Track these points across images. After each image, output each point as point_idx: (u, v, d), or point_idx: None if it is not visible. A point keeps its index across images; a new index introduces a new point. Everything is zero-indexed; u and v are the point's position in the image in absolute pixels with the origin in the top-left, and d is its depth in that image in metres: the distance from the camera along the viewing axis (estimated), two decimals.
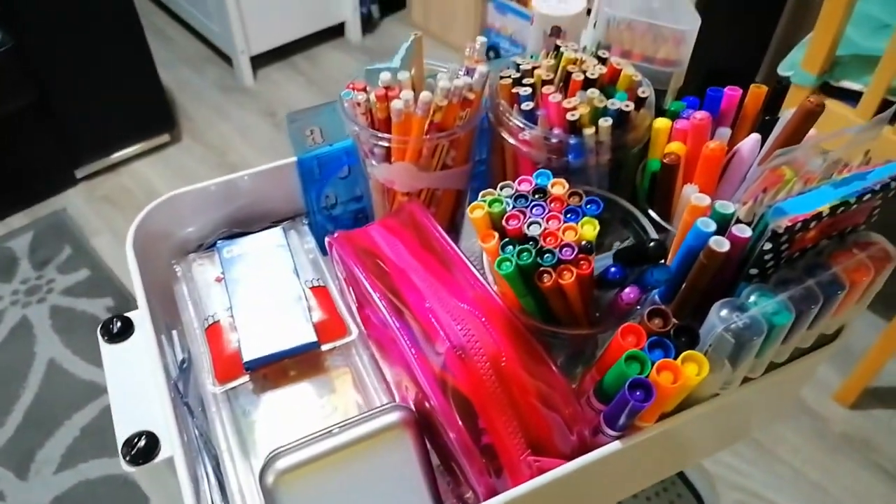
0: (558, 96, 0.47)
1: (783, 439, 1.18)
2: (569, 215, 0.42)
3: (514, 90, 0.50)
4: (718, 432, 0.54)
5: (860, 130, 0.41)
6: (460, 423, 0.40)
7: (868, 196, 0.40)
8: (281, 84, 1.95)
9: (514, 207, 0.43)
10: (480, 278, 0.46)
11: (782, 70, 1.08)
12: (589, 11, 0.53)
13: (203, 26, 1.97)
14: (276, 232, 0.57)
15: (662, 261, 0.42)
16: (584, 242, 0.41)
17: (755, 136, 0.48)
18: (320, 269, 0.56)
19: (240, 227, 0.60)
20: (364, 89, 0.50)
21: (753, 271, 0.41)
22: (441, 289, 0.45)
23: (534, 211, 0.42)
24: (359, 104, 0.49)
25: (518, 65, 0.51)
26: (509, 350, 0.41)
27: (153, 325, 0.48)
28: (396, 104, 0.48)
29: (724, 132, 0.49)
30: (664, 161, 0.47)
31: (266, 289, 0.53)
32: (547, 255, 0.41)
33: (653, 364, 0.38)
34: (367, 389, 0.51)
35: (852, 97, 1.03)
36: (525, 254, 0.40)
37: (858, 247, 0.43)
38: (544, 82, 0.49)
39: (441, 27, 2.02)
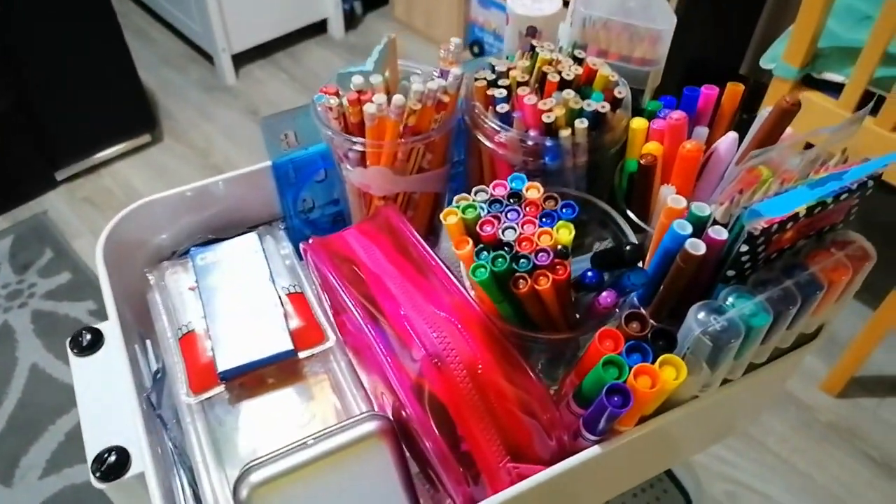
0: (533, 98, 0.47)
1: (771, 429, 1.19)
2: (544, 219, 0.42)
3: (489, 92, 0.49)
4: (702, 431, 0.54)
5: (837, 129, 0.41)
6: (436, 431, 0.39)
7: (845, 195, 0.40)
8: (264, 82, 1.93)
9: (488, 212, 0.42)
10: (457, 284, 0.45)
11: (764, 63, 1.08)
12: (567, 2, 0.52)
13: (184, 25, 1.94)
14: (252, 238, 0.56)
15: (640, 264, 0.42)
16: (559, 247, 0.40)
17: (732, 135, 0.48)
18: (297, 274, 0.56)
19: (215, 233, 0.59)
20: (336, 93, 0.49)
21: (731, 273, 0.41)
22: (417, 295, 0.44)
23: (509, 216, 0.42)
24: (331, 108, 0.48)
25: (493, 66, 0.50)
26: (486, 357, 0.41)
27: (125, 337, 0.47)
28: (369, 108, 0.47)
29: (702, 131, 0.49)
30: (641, 162, 0.46)
31: (241, 296, 0.52)
32: (522, 260, 0.40)
33: (630, 369, 0.38)
34: (345, 396, 0.50)
35: (835, 89, 1.03)
36: (500, 260, 0.39)
37: (836, 246, 0.43)
38: (519, 84, 0.48)
39: (425, 22, 2.01)
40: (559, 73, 0.49)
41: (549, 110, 0.47)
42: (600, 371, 0.38)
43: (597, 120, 0.47)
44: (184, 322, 0.52)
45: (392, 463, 0.41)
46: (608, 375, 0.38)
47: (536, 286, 0.40)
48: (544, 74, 0.49)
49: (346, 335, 0.50)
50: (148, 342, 0.54)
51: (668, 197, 0.41)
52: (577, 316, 0.47)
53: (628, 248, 0.40)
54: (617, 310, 0.43)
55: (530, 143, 0.48)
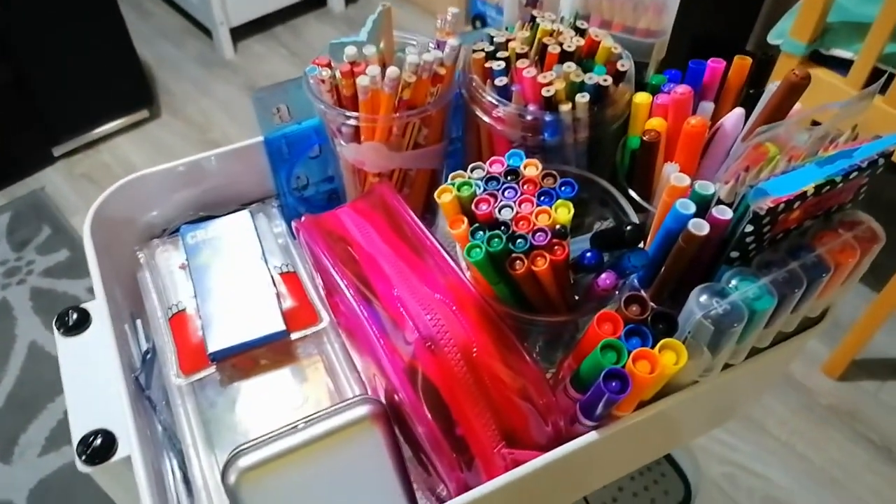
0: (533, 71, 0.45)
1: (771, 412, 1.18)
2: (542, 198, 0.40)
3: (487, 65, 0.47)
4: (703, 415, 0.53)
5: (847, 105, 0.39)
6: (429, 416, 0.38)
7: (855, 174, 0.38)
8: (263, 56, 1.90)
9: (484, 190, 0.40)
10: (452, 264, 0.44)
11: (772, 38, 1.05)
12: None
13: None
14: (244, 216, 0.55)
15: (640, 245, 0.41)
16: (558, 226, 0.39)
17: (739, 111, 0.46)
18: (290, 253, 0.54)
19: (207, 211, 0.58)
20: (329, 65, 0.47)
21: (734, 254, 0.39)
22: (411, 276, 0.43)
23: (506, 194, 0.40)
24: (323, 81, 0.47)
25: (492, 37, 0.49)
26: (481, 339, 0.40)
27: (113, 316, 0.46)
28: (362, 81, 0.45)
29: (707, 106, 0.47)
30: (644, 139, 0.45)
31: (232, 276, 0.51)
32: (519, 240, 0.39)
33: (629, 353, 0.37)
34: (338, 378, 0.49)
35: (843, 66, 1.00)
36: (496, 240, 0.38)
37: (844, 226, 0.41)
38: (519, 56, 0.47)
39: None
40: (560, 44, 0.47)
41: (549, 83, 0.45)
42: (598, 355, 0.37)
43: (598, 94, 0.46)
44: (174, 301, 0.51)
45: (384, 447, 0.40)
46: (606, 360, 0.37)
47: (534, 267, 0.38)
48: (545, 46, 0.47)
49: (339, 316, 0.49)
50: (138, 322, 0.53)
51: (672, 175, 0.40)
52: (577, 297, 0.45)
53: (629, 228, 0.38)
54: (616, 292, 0.42)
55: (529, 117, 0.46)
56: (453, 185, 0.40)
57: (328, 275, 0.45)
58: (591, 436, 0.40)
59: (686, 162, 0.45)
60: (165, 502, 0.42)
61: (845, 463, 1.12)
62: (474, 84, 0.48)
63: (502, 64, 0.47)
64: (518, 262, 0.39)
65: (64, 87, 1.56)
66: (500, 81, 0.46)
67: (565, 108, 0.45)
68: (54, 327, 0.46)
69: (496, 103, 0.47)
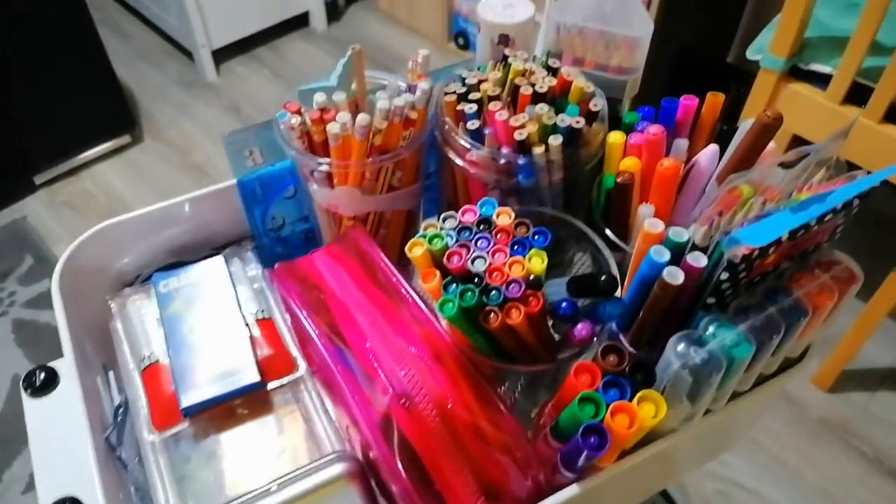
0: (505, 114, 0.44)
1: (762, 426, 1.18)
2: (516, 247, 0.40)
3: (459, 107, 0.47)
4: (690, 456, 0.52)
5: (820, 147, 0.39)
6: (404, 474, 0.37)
7: (829, 216, 0.38)
8: (245, 78, 1.89)
9: (456, 241, 0.40)
10: (428, 313, 0.43)
11: (751, 54, 1.06)
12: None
13: (161, 20, 1.90)
14: (217, 261, 0.54)
15: (617, 290, 0.40)
16: (532, 277, 0.38)
17: (713, 148, 0.46)
18: (266, 298, 0.53)
19: (180, 255, 0.57)
20: (298, 111, 0.46)
21: (711, 300, 0.39)
22: (385, 326, 0.42)
23: (478, 244, 0.40)
24: (293, 128, 0.46)
25: (464, 78, 0.48)
26: (456, 393, 0.39)
27: (83, 373, 0.45)
28: (332, 128, 0.45)
29: (682, 143, 0.47)
30: (618, 180, 0.44)
31: (206, 326, 0.50)
32: (493, 292, 0.38)
33: (608, 406, 0.36)
34: (316, 428, 0.48)
35: (822, 80, 1.00)
36: (468, 294, 0.37)
37: (821, 267, 0.41)
38: (491, 98, 0.46)
39: (408, 14, 1.97)
40: (532, 85, 0.46)
41: (522, 126, 0.44)
42: (576, 409, 0.36)
43: (572, 135, 0.45)
44: (146, 353, 0.50)
45: None
46: (585, 413, 0.36)
47: (508, 320, 0.38)
48: (517, 87, 0.47)
49: (313, 366, 0.48)
50: (111, 374, 0.52)
51: (645, 220, 0.39)
52: (557, 337, 0.45)
53: (603, 278, 0.37)
54: (595, 338, 0.41)
55: (502, 161, 0.45)
56: (424, 237, 0.39)
57: (301, 326, 0.45)
58: (572, 489, 0.39)
59: (661, 203, 0.44)
60: None
61: (837, 476, 1.11)
62: (447, 127, 0.47)
63: (474, 107, 0.46)
64: (492, 315, 0.38)
65: (43, 114, 1.55)
66: (473, 125, 0.46)
67: (538, 150, 0.45)
68: (21, 389, 0.44)
69: (469, 147, 0.46)
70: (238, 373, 0.47)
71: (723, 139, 0.47)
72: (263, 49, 1.97)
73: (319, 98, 0.45)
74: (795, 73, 1.03)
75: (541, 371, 0.45)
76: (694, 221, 0.41)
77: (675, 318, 0.41)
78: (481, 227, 0.40)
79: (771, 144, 0.43)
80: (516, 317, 0.38)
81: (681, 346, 0.37)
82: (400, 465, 0.37)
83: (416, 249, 0.38)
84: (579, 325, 0.39)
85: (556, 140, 0.44)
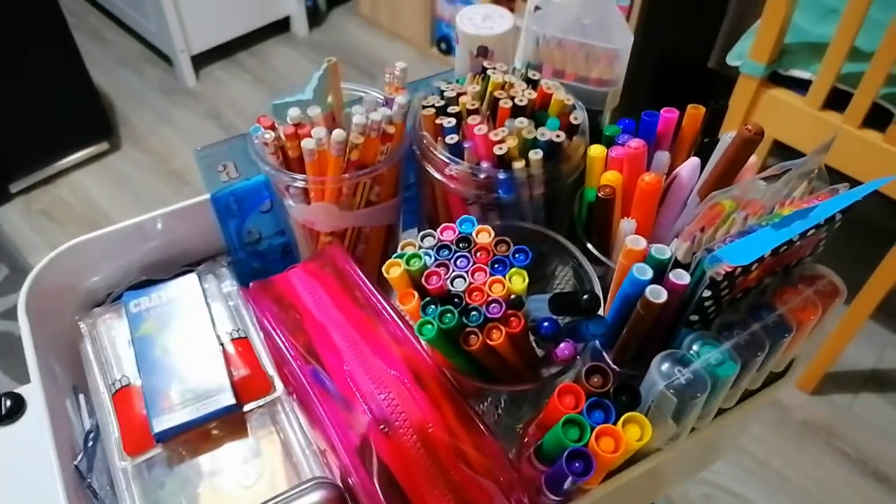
0: (484, 128, 0.44)
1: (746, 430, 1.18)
2: (496, 266, 0.39)
3: (437, 121, 0.46)
4: (677, 472, 0.52)
5: (801, 162, 0.38)
6: (384, 502, 0.36)
7: (812, 231, 0.37)
8: (226, 83, 1.87)
9: (435, 260, 0.39)
10: (407, 332, 0.42)
11: (731, 60, 1.06)
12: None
13: (140, 26, 1.87)
14: (190, 279, 0.52)
15: (600, 308, 0.39)
16: (513, 297, 0.37)
17: (694, 161, 0.45)
18: (241, 317, 0.52)
19: (153, 272, 0.55)
20: (272, 126, 0.45)
21: (694, 317, 0.38)
22: (364, 347, 0.41)
23: (458, 263, 0.39)
24: (267, 143, 0.45)
25: (442, 91, 0.47)
26: (438, 416, 0.38)
27: (52, 398, 0.43)
28: (307, 144, 0.43)
29: (663, 156, 0.46)
30: (599, 195, 0.44)
31: (179, 346, 0.48)
32: (473, 313, 0.37)
33: (592, 429, 0.35)
34: (294, 451, 0.47)
35: (802, 86, 1.01)
36: (448, 315, 0.36)
37: (805, 282, 0.40)
38: (470, 112, 0.45)
39: (390, 19, 1.96)
40: (512, 98, 0.46)
41: (501, 141, 0.44)
42: (560, 432, 0.35)
43: (552, 149, 0.45)
44: (118, 376, 0.48)
45: None
46: (569, 436, 0.35)
47: (489, 341, 0.37)
48: (496, 100, 0.46)
49: (290, 386, 0.47)
50: (82, 397, 0.50)
51: (627, 237, 0.38)
52: (540, 354, 0.44)
53: (585, 297, 0.37)
54: (578, 357, 0.40)
55: (482, 176, 0.45)
56: (402, 257, 0.38)
57: (277, 347, 0.43)
58: None
59: (642, 217, 0.44)
60: None
61: (822, 478, 1.12)
62: (425, 141, 0.46)
63: (453, 121, 0.45)
64: (472, 336, 0.37)
65: (18, 122, 1.52)
66: (451, 139, 0.45)
67: (519, 165, 0.44)
68: None
69: (448, 161, 0.45)
70: (213, 395, 0.46)
71: (704, 151, 0.46)
72: (244, 54, 1.95)
73: (294, 113, 0.44)
74: (775, 78, 1.04)
75: (524, 391, 0.44)
76: (675, 236, 0.40)
77: (659, 335, 0.40)
78: (461, 245, 0.39)
79: (752, 158, 0.42)
80: (497, 338, 0.37)
81: (665, 366, 0.37)
82: (380, 492, 0.36)
83: (394, 270, 0.37)
84: (562, 345, 0.38)
85: (536, 155, 0.44)
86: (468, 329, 0.37)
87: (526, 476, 0.40)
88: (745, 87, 1.04)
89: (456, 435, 0.38)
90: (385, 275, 0.37)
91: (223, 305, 0.52)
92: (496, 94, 0.46)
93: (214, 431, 0.48)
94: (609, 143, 0.46)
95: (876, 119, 0.92)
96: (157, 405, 0.45)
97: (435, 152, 0.46)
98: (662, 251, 0.37)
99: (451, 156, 0.45)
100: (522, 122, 0.44)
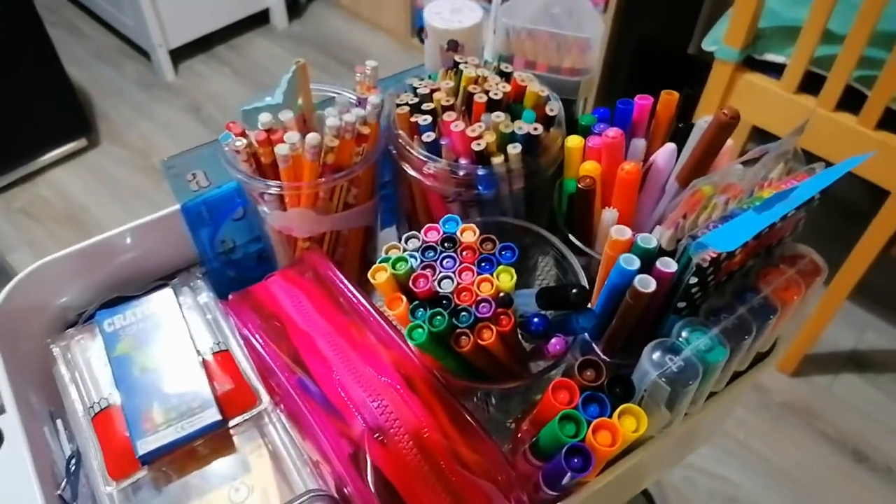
0: (461, 124, 0.43)
1: None
2: (483, 264, 0.38)
3: (412, 119, 0.45)
4: (670, 457, 0.52)
5: (778, 144, 0.39)
6: None
7: (792, 212, 0.38)
8: (206, 77, 1.82)
9: (421, 262, 0.38)
10: (395, 336, 0.41)
11: (706, 45, 1.05)
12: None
13: (117, 20, 1.82)
14: (166, 294, 0.51)
15: (589, 300, 0.39)
16: (501, 295, 0.37)
17: (670, 147, 0.45)
18: (221, 329, 0.51)
19: (125, 288, 0.53)
20: (243, 133, 0.44)
21: (682, 304, 0.38)
22: (352, 354, 0.41)
23: (444, 263, 0.38)
24: (238, 150, 0.44)
25: (415, 88, 0.46)
26: (431, 421, 0.37)
27: (28, 427, 0.42)
28: (281, 150, 0.42)
29: (639, 143, 0.46)
30: (579, 186, 0.43)
31: (158, 364, 0.47)
32: (463, 314, 0.37)
33: (588, 423, 0.35)
34: (285, 464, 0.46)
35: (777, 70, 1.01)
36: (438, 318, 0.36)
37: (786, 262, 0.41)
38: (444, 108, 0.44)
39: (371, 10, 1.92)
40: (486, 92, 0.45)
41: (479, 137, 0.43)
42: (556, 428, 0.35)
43: (530, 142, 0.44)
44: (96, 398, 0.46)
45: None
46: (565, 432, 0.35)
47: (480, 341, 0.36)
48: (470, 95, 0.45)
49: (277, 398, 0.46)
50: (59, 422, 0.48)
51: (612, 228, 0.38)
52: (529, 349, 0.44)
53: (574, 291, 0.36)
54: (569, 350, 0.40)
55: (461, 173, 0.44)
56: (388, 260, 0.37)
57: (262, 359, 0.42)
58: None
59: (623, 206, 0.44)
60: None
61: (802, 459, 1.13)
62: (401, 140, 0.46)
63: (428, 118, 0.44)
64: (464, 337, 0.36)
65: None
66: (428, 137, 0.44)
67: (497, 160, 0.43)
68: None
69: (426, 160, 0.44)
70: (197, 413, 0.45)
71: (679, 137, 0.46)
72: (223, 47, 1.90)
73: (265, 118, 0.43)
74: (750, 63, 1.04)
75: (515, 387, 0.44)
76: (656, 222, 0.40)
77: (648, 323, 0.40)
78: (446, 245, 0.39)
79: (729, 142, 0.43)
80: (488, 337, 0.36)
81: (656, 355, 0.37)
82: (378, 501, 0.35)
83: (380, 275, 0.37)
84: (553, 340, 0.38)
85: (514, 149, 0.43)
86: (459, 330, 0.36)
87: (522, 472, 0.40)
88: (721, 72, 1.04)
89: (451, 437, 0.38)
90: (371, 280, 0.36)
91: (201, 318, 0.51)
92: (470, 88, 0.45)
93: (201, 449, 0.46)
94: (585, 132, 0.46)
95: (850, 102, 0.93)
96: (140, 426, 0.44)
97: (412, 151, 0.45)
98: (648, 240, 0.37)
99: (428, 154, 0.44)
100: (499, 116, 0.44)
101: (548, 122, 0.45)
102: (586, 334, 0.42)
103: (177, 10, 1.72)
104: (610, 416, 0.35)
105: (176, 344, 0.48)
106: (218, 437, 0.46)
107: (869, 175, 0.96)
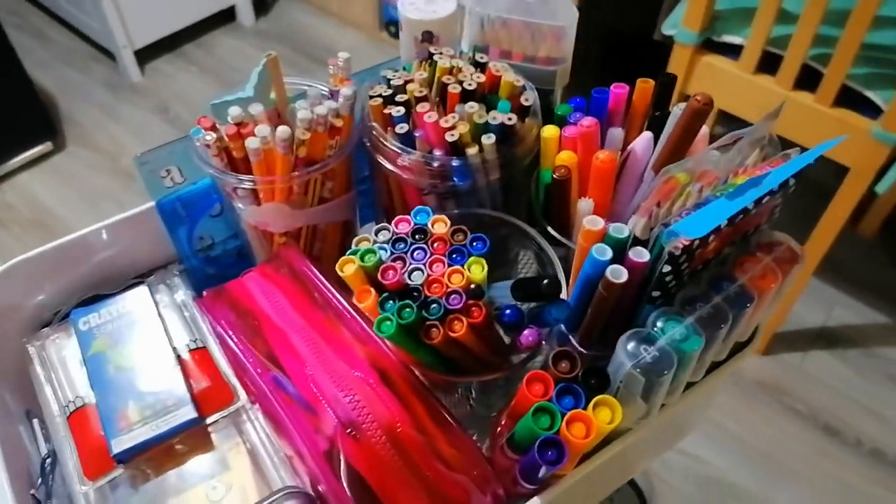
0: (434, 115, 0.42)
1: None
2: (454, 255, 0.38)
3: (386, 111, 0.44)
4: (652, 447, 0.52)
5: (752, 129, 0.38)
6: None
7: (767, 199, 0.37)
8: (173, 76, 1.81)
9: (392, 254, 0.38)
10: (370, 331, 0.41)
11: (666, 29, 1.05)
12: None
13: (81, 23, 1.80)
14: (141, 292, 0.50)
15: (562, 292, 0.39)
16: (472, 286, 0.37)
17: (647, 135, 0.45)
18: (198, 326, 0.50)
19: (101, 287, 0.53)
20: (213, 127, 0.43)
21: (656, 294, 0.38)
22: (326, 349, 0.40)
23: (415, 255, 0.38)
24: (209, 145, 0.43)
25: (389, 80, 0.46)
26: (405, 415, 0.37)
27: (3, 427, 0.41)
28: (251, 143, 0.42)
29: (616, 132, 0.46)
30: (555, 176, 0.43)
31: (133, 362, 0.46)
32: (433, 305, 0.36)
33: (563, 416, 0.35)
34: (263, 461, 0.45)
35: (735, 51, 1.01)
36: (406, 310, 0.35)
37: (763, 249, 0.41)
38: (418, 99, 0.44)
39: (339, 4, 1.92)
40: (460, 82, 0.44)
41: (453, 128, 0.43)
42: (531, 421, 0.35)
43: (505, 133, 0.44)
44: (72, 397, 0.46)
45: None
46: (540, 425, 0.35)
47: (451, 333, 0.36)
48: (445, 85, 0.45)
49: (252, 395, 0.46)
50: (35, 422, 0.48)
51: (585, 218, 0.38)
52: (507, 339, 0.43)
53: (545, 282, 0.36)
54: (544, 342, 0.40)
55: (436, 164, 0.43)
56: (356, 253, 0.37)
57: (236, 356, 0.42)
58: (535, 502, 0.38)
59: (599, 196, 0.43)
60: None
61: (775, 436, 1.14)
62: (375, 132, 0.45)
63: (402, 110, 0.44)
64: (434, 329, 0.36)
65: None
66: (402, 129, 0.43)
67: (472, 151, 0.43)
68: None
69: (400, 152, 0.44)
70: (172, 410, 0.44)
71: (655, 125, 0.46)
72: (190, 46, 1.89)
73: (235, 112, 0.42)
74: (709, 45, 1.04)
75: (493, 379, 0.44)
76: (634, 212, 0.40)
77: (622, 314, 0.40)
78: (416, 237, 0.38)
79: (704, 129, 0.42)
80: (459, 329, 0.36)
81: (631, 346, 0.36)
82: (351, 497, 0.35)
83: (348, 267, 0.36)
84: (526, 332, 0.38)
85: (489, 139, 0.43)
86: (429, 322, 0.36)
87: (500, 466, 0.40)
88: (681, 55, 1.04)
89: (427, 432, 0.37)
90: (339, 272, 0.36)
91: (178, 316, 0.50)
92: (444, 79, 0.45)
93: (178, 446, 0.46)
94: (561, 122, 0.46)
95: (807, 80, 0.93)
96: (115, 425, 0.43)
97: (385, 143, 0.44)
98: (620, 230, 0.37)
99: (402, 146, 0.44)
100: (473, 106, 0.43)
101: (523, 112, 0.45)
102: (562, 326, 0.42)
103: (140, 10, 1.70)
104: (585, 408, 0.35)
105: (151, 342, 0.48)
106: (195, 435, 0.46)
107: (828, 152, 0.96)
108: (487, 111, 0.44)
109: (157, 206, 0.51)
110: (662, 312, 0.37)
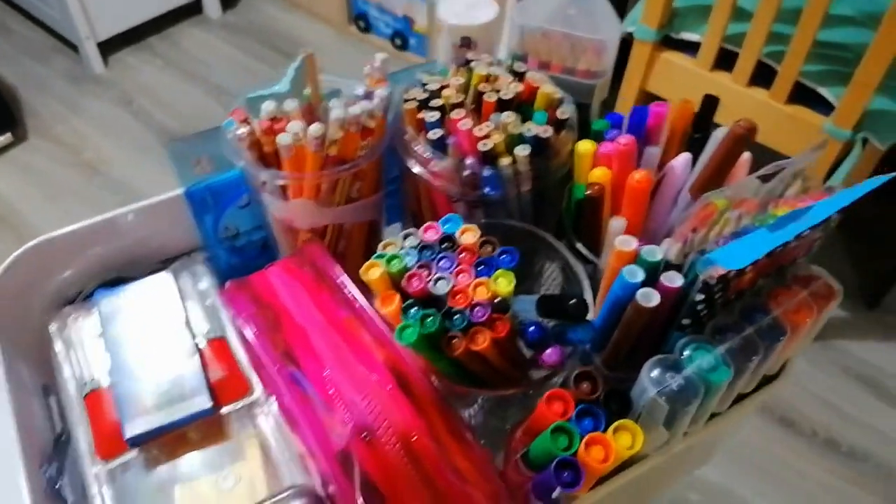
0: (468, 123, 0.42)
1: None
2: (481, 267, 0.37)
3: (420, 115, 0.44)
4: (669, 476, 0.51)
5: (796, 160, 0.37)
6: None
7: (808, 232, 0.36)
8: (137, 69, 1.77)
9: (418, 261, 0.37)
10: (390, 335, 0.40)
11: (626, 26, 1.03)
12: None
13: (43, 14, 1.76)
14: (165, 277, 0.50)
15: (588, 313, 0.38)
16: (498, 300, 0.36)
17: (685, 157, 0.44)
18: (218, 316, 0.50)
19: (126, 269, 0.53)
20: (246, 120, 0.43)
21: (686, 321, 0.37)
22: (345, 350, 0.40)
23: (441, 264, 0.37)
24: (241, 138, 0.43)
25: (424, 84, 0.45)
26: (421, 424, 0.37)
27: (18, 403, 0.42)
28: (283, 139, 0.41)
29: (653, 151, 0.45)
30: (588, 193, 0.42)
31: (152, 347, 0.46)
32: (456, 317, 0.36)
33: (582, 437, 0.34)
34: (274, 454, 0.45)
35: (693, 48, 0.99)
36: (429, 319, 0.35)
37: (799, 282, 0.39)
38: (453, 105, 0.43)
39: None
40: (497, 91, 0.44)
41: (486, 136, 0.42)
42: (548, 440, 0.34)
43: (539, 145, 0.43)
44: (88, 378, 0.46)
45: None
46: (557, 445, 0.34)
47: (472, 346, 0.35)
48: (480, 93, 0.44)
49: (269, 389, 0.46)
50: (52, 399, 0.48)
51: (617, 238, 0.37)
52: (528, 354, 0.43)
53: (572, 302, 0.35)
54: (567, 360, 0.39)
55: (467, 172, 0.43)
56: (382, 257, 0.36)
57: (255, 351, 0.42)
58: None
59: (632, 215, 0.42)
60: None
61: (748, 437, 1.11)
62: (407, 136, 0.45)
63: (436, 115, 0.43)
64: (455, 340, 0.36)
65: None
66: (434, 134, 0.43)
67: (505, 161, 0.42)
68: None
69: (431, 157, 0.43)
70: (188, 399, 0.44)
71: (694, 147, 0.45)
72: (155, 38, 1.85)
73: (268, 106, 0.42)
74: (668, 42, 1.02)
75: (512, 395, 0.43)
76: (666, 234, 0.39)
77: (650, 338, 0.39)
78: (444, 245, 0.38)
79: (746, 154, 0.41)
80: (481, 342, 0.35)
81: (656, 372, 0.35)
82: (361, 501, 0.35)
83: (373, 271, 0.36)
84: (548, 350, 0.37)
85: (523, 150, 0.42)
86: (451, 333, 0.36)
87: (513, 482, 0.39)
88: (640, 52, 1.02)
89: (442, 442, 0.37)
90: (363, 277, 0.36)
91: (199, 304, 0.51)
92: (480, 87, 0.44)
93: (192, 434, 0.46)
94: (598, 137, 0.45)
95: (762, 77, 0.92)
96: (130, 408, 0.44)
97: (417, 148, 0.44)
98: (653, 253, 0.36)
99: (434, 151, 0.43)
100: (509, 116, 0.42)
101: (559, 125, 0.44)
102: (588, 346, 0.41)
103: (104, 1, 1.66)
104: (605, 431, 0.34)
105: (171, 328, 0.48)
106: (209, 424, 0.46)
107: (781, 147, 0.94)
108: (522, 121, 0.43)
109: (186, 194, 0.51)
110: (692, 340, 0.36)
